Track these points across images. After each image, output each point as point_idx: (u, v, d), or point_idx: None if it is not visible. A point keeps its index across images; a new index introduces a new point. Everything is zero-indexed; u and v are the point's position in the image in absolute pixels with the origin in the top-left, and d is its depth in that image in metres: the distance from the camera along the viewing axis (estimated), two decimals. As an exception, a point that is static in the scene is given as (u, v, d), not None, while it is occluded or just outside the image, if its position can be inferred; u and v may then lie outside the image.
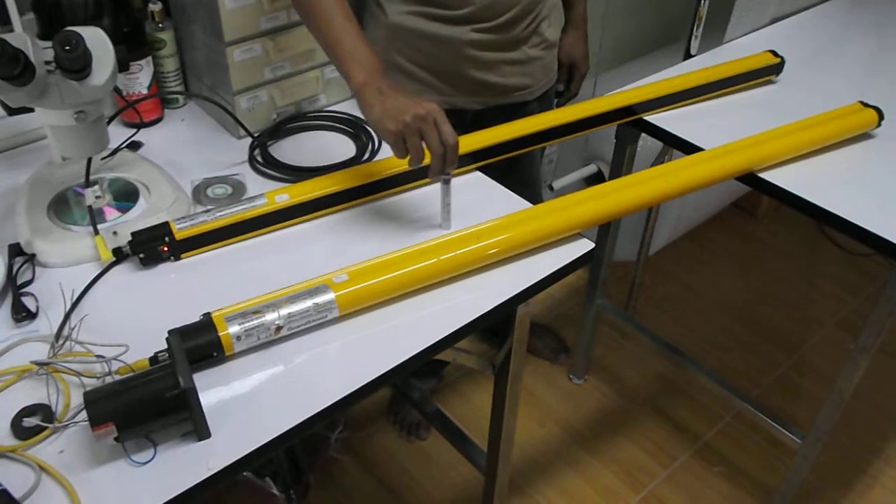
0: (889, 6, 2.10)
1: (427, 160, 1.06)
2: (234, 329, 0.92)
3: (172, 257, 1.10)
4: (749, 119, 1.52)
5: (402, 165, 1.23)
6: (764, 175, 1.39)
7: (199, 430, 0.84)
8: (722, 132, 1.45)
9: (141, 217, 1.14)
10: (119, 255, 1.07)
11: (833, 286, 2.54)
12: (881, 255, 1.28)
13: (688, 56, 1.82)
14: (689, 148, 1.47)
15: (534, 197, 1.78)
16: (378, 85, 1.07)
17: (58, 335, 0.95)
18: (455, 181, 1.28)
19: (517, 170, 1.55)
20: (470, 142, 1.30)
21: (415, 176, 1.25)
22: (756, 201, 2.76)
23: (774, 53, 1.68)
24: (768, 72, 1.68)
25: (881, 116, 1.50)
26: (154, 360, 0.90)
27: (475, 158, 1.30)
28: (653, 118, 1.54)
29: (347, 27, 1.11)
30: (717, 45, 1.84)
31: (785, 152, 1.41)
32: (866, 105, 1.51)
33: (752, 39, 1.88)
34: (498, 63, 1.45)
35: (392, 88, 1.07)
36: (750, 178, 1.40)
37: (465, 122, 1.50)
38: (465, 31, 1.38)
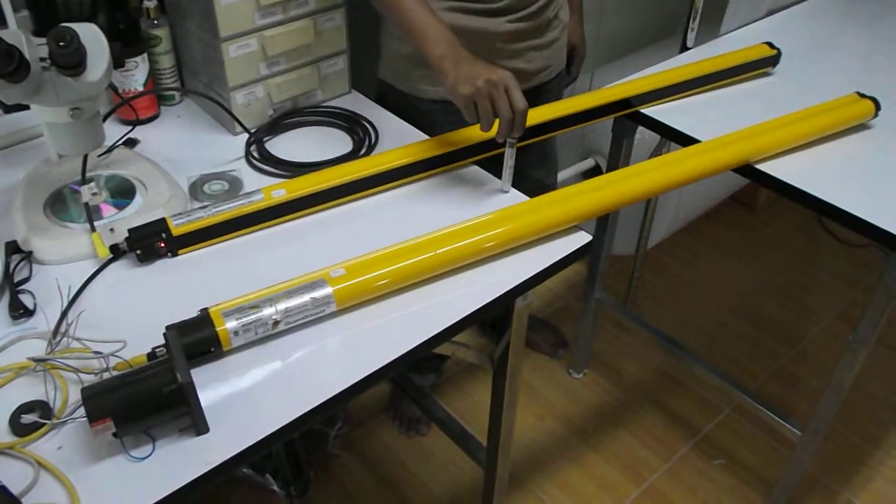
0: (885, -3, 2.10)
1: (496, 127, 1.13)
2: (231, 324, 0.92)
3: (169, 253, 1.09)
4: (746, 111, 1.52)
5: (399, 160, 1.24)
6: (761, 166, 1.39)
7: (197, 425, 0.84)
8: (719, 124, 1.45)
9: (138, 214, 1.14)
10: (116, 252, 1.07)
11: (832, 278, 2.54)
12: (879, 245, 1.28)
13: (684, 49, 1.81)
14: (686, 140, 1.47)
15: (551, 173, 1.79)
16: (454, 56, 1.15)
17: (55, 332, 0.95)
18: (452, 174, 1.29)
19: (533, 146, 1.56)
20: (467, 136, 1.30)
21: (412, 171, 1.25)
22: (754, 193, 2.76)
23: (771, 45, 1.68)
24: (765, 63, 1.67)
25: (878, 107, 1.50)
26: (152, 355, 0.89)
27: (473, 152, 1.30)
28: (649, 111, 1.54)
29: (418, 9, 1.20)
30: (713, 37, 1.83)
31: (782, 143, 1.41)
32: (863, 96, 1.51)
33: (749, 31, 1.88)
34: (526, 50, 1.49)
35: (467, 58, 1.15)
36: (747, 170, 1.40)
37: None
38: (500, 22, 1.40)
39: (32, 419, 0.85)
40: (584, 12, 1.72)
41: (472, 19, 1.39)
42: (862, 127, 1.52)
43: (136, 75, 1.36)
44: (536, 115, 1.39)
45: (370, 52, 1.54)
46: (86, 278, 1.05)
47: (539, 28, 1.48)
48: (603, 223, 1.83)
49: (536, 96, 1.56)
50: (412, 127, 1.40)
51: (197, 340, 0.91)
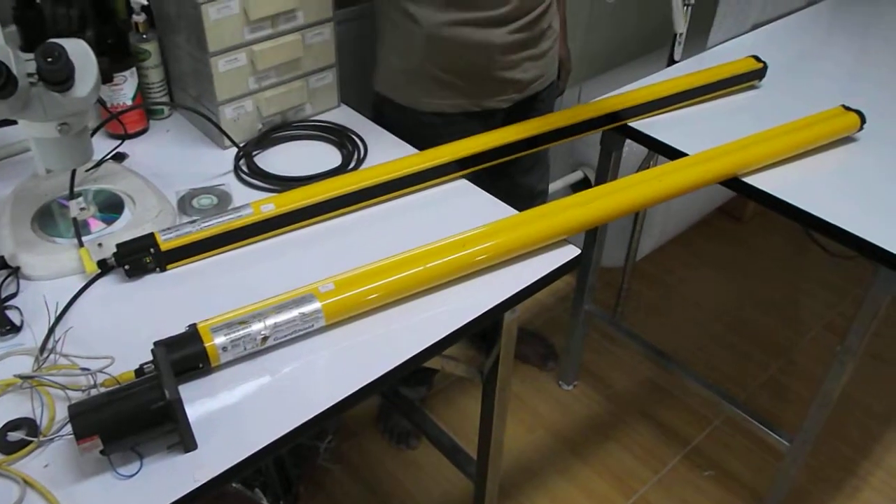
0: (870, 11, 2.12)
1: None
2: (220, 340, 0.92)
3: (158, 268, 1.09)
4: (733, 124, 1.53)
5: (388, 174, 1.24)
6: (748, 179, 1.40)
7: (185, 441, 0.84)
8: (706, 137, 1.46)
9: (126, 228, 1.13)
10: (104, 267, 1.07)
11: (820, 289, 2.56)
12: (865, 257, 1.29)
13: (671, 62, 1.83)
14: (673, 153, 1.48)
15: (542, 179, 1.82)
16: None
17: (42, 348, 0.94)
18: (441, 188, 1.29)
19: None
20: (455, 150, 1.30)
21: (401, 185, 1.25)
22: (742, 205, 2.77)
23: (757, 59, 1.69)
24: (751, 77, 1.69)
25: (863, 120, 1.51)
26: (140, 372, 0.89)
27: (462, 165, 1.31)
28: (637, 124, 1.55)
29: None
30: (700, 51, 1.85)
31: (769, 156, 1.42)
32: (848, 109, 1.52)
33: (735, 45, 1.89)
34: (522, 61, 1.50)
35: None
36: (734, 183, 1.41)
37: (496, 121, 1.54)
38: (501, 34, 1.42)
39: (19, 437, 0.85)
40: (572, 26, 1.73)
41: (475, 31, 1.40)
42: (848, 140, 1.53)
43: (124, 90, 1.36)
44: (526, 129, 1.40)
45: (359, 66, 1.55)
46: (73, 294, 1.04)
47: (535, 38, 1.49)
48: (591, 235, 1.83)
49: (531, 105, 1.58)
50: (401, 141, 1.40)
51: (185, 356, 0.90)
